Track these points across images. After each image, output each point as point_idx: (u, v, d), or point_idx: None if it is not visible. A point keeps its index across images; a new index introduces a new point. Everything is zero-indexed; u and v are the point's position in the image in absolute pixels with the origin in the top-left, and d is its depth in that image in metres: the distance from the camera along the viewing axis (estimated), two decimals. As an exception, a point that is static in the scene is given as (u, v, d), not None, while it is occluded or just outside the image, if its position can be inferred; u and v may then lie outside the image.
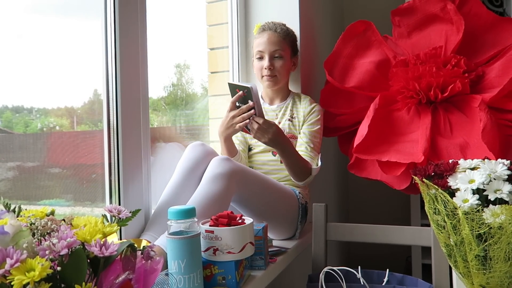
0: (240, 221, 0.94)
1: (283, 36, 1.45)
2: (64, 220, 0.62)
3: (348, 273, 1.04)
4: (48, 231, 0.55)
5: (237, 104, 1.26)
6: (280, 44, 1.43)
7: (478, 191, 0.72)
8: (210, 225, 0.92)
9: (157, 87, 1.41)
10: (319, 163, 1.38)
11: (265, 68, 1.42)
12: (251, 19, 1.70)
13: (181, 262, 0.80)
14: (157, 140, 1.34)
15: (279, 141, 1.26)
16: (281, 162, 1.40)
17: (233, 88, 1.25)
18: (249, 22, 1.70)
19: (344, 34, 1.59)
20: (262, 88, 1.52)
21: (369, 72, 1.52)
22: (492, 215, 0.69)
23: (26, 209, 0.67)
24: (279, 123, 1.45)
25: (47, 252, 0.49)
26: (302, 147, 1.39)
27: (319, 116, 1.44)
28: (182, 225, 0.82)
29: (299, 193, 1.37)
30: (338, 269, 1.03)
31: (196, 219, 0.84)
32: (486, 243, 0.71)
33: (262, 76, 1.45)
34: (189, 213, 0.82)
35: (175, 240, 0.80)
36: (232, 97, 1.26)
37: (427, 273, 1.94)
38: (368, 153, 1.34)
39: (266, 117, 1.43)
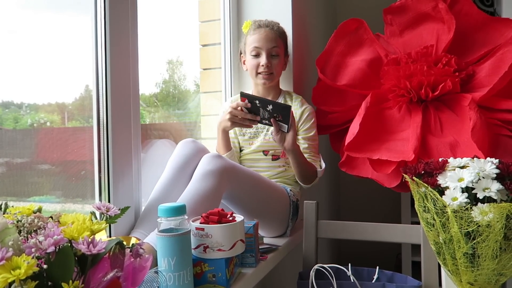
0: (230, 218, 0.93)
1: (279, 34, 1.46)
2: (51, 217, 0.61)
3: (338, 270, 1.04)
4: (35, 229, 0.54)
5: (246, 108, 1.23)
6: (277, 41, 1.43)
7: (467, 190, 0.73)
8: (200, 223, 0.91)
9: (149, 83, 1.40)
10: (323, 165, 1.40)
11: (262, 65, 1.41)
12: (244, 16, 1.69)
13: (171, 259, 0.79)
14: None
15: (295, 147, 1.28)
16: (272, 160, 1.41)
17: (251, 98, 1.22)
18: (242, 18, 1.70)
19: (336, 32, 1.59)
20: (252, 85, 1.51)
21: (361, 70, 1.52)
22: (480, 213, 0.70)
23: (13, 206, 0.66)
24: None
25: (33, 250, 0.48)
26: (304, 153, 1.40)
27: (313, 120, 1.45)
28: (172, 223, 0.81)
29: (290, 190, 1.37)
30: (328, 267, 1.03)
31: (186, 217, 0.84)
32: (475, 241, 0.72)
33: (257, 74, 1.44)
34: (179, 211, 0.82)
35: (165, 237, 0.80)
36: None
37: (417, 270, 1.96)
38: (359, 151, 1.34)
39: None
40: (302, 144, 1.42)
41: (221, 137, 1.35)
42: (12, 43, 0.90)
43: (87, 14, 1.02)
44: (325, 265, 1.03)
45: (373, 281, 1.03)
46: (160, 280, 0.76)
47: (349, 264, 1.05)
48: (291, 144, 1.25)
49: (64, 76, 1.02)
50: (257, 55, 1.43)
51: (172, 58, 1.54)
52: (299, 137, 1.43)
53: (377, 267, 1.05)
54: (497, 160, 0.76)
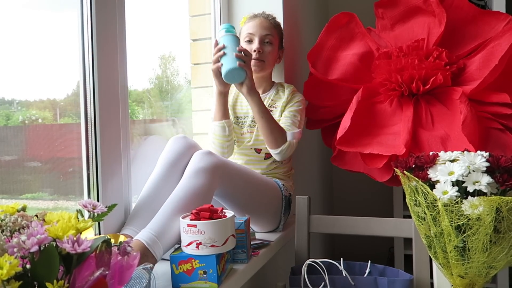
0: (221, 214, 0.93)
1: (274, 25, 1.46)
2: (36, 215, 0.59)
3: (330, 265, 1.04)
4: (18, 228, 0.53)
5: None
6: (271, 30, 1.43)
7: (457, 183, 0.72)
8: (191, 219, 0.91)
9: (142, 79, 1.39)
10: (295, 131, 1.35)
11: (254, 51, 1.39)
12: (234, 10, 1.68)
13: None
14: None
15: (256, 93, 1.29)
16: (265, 158, 1.40)
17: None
18: (232, 12, 1.68)
19: (328, 26, 1.59)
20: None
21: (352, 64, 1.51)
22: (470, 207, 0.70)
23: (-2, 205, 0.65)
24: None
25: (15, 249, 0.47)
26: (281, 122, 1.37)
27: (300, 98, 1.42)
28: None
29: (283, 185, 1.37)
30: (320, 261, 1.03)
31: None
32: (465, 234, 0.72)
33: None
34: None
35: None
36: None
37: (409, 264, 1.97)
38: (350, 145, 1.34)
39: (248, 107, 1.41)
40: (282, 117, 1.38)
41: (218, 101, 1.35)
42: (2, 40, 0.88)
43: (76, 9, 1.01)
44: (317, 260, 1.03)
45: (365, 275, 1.03)
46: (152, 277, 0.75)
47: (341, 259, 1.05)
48: (249, 87, 1.26)
49: (55, 72, 1.00)
50: (250, 41, 1.43)
51: (164, 53, 1.52)
52: (285, 112, 1.39)
53: (369, 261, 1.05)
54: (487, 153, 0.76)
